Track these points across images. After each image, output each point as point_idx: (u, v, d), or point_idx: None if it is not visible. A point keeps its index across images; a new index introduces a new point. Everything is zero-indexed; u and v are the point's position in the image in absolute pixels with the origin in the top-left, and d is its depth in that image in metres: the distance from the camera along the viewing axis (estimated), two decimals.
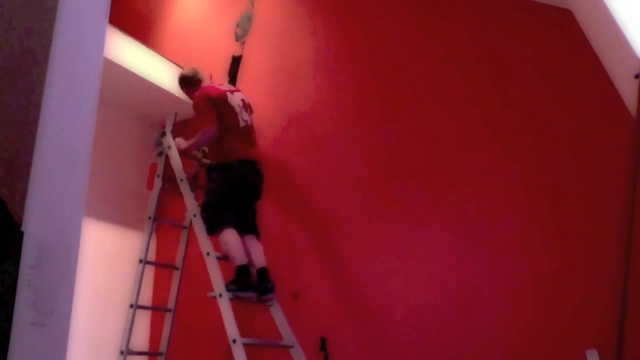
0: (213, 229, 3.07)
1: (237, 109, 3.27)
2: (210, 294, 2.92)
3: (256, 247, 3.12)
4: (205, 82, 3.49)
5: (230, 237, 3.00)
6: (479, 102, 3.02)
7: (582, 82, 2.71)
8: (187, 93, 3.51)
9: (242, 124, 3.26)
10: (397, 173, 3.19)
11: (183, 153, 3.43)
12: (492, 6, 3.12)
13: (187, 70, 3.53)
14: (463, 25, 3.19)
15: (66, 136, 0.95)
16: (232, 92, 3.37)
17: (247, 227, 3.16)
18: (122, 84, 3.67)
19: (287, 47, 3.88)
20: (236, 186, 3.15)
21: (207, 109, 3.20)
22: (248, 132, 3.31)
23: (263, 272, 3.03)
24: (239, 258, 2.96)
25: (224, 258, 3.05)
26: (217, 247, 3.09)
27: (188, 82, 3.48)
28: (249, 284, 2.94)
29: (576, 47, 2.72)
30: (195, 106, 3.28)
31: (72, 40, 0.99)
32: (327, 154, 3.48)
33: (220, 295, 2.88)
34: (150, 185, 3.67)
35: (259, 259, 3.07)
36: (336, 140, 3.48)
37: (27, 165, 0.87)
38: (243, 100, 3.37)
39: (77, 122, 0.98)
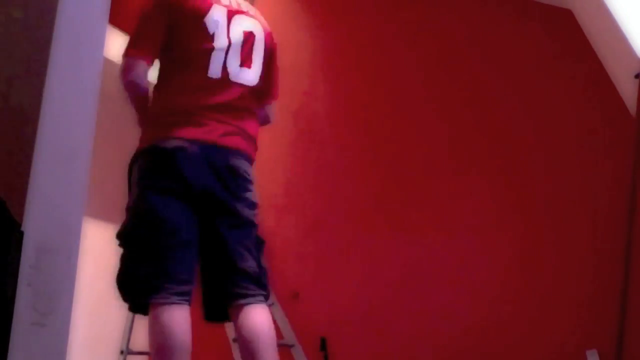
0: (135, 298, 1.65)
1: (219, 41, 1.69)
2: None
3: (263, 341, 1.66)
4: None
5: (165, 322, 1.58)
6: (478, 102, 3.01)
7: (582, 82, 2.71)
8: None
9: (214, 73, 1.67)
10: (397, 173, 3.19)
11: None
12: (491, 6, 3.12)
13: None
14: (463, 25, 3.19)
15: (66, 136, 0.95)
16: (234, 12, 1.76)
17: (233, 293, 1.75)
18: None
19: (287, 47, 3.88)
20: (183, 197, 1.61)
21: (142, 20, 1.88)
22: (227, 91, 1.69)
23: None
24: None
25: None
26: None
27: None
28: None
29: (576, 47, 2.72)
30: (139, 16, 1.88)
31: (72, 40, 0.99)
32: (327, 154, 3.48)
33: None
34: None
35: None
36: (336, 140, 3.48)
37: (27, 165, 0.87)
38: (250, 34, 1.77)
39: (77, 121, 0.98)
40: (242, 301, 1.71)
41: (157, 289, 1.52)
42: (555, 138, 2.75)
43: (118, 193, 3.92)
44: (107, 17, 1.11)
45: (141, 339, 3.72)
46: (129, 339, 3.23)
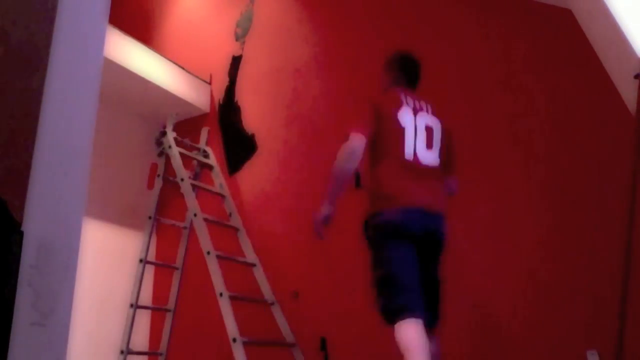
0: (389, 320, 2.00)
1: (408, 132, 2.16)
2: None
3: (435, 351, 2.03)
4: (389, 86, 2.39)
5: (409, 334, 1.89)
6: (478, 102, 3.02)
7: (582, 82, 2.71)
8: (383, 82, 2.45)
9: (408, 156, 2.13)
10: None
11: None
12: (491, 6, 3.12)
13: (407, 56, 2.50)
14: (463, 25, 3.19)
15: (66, 136, 0.95)
16: (416, 110, 2.24)
17: (433, 314, 2.07)
18: (122, 84, 3.67)
19: (287, 47, 3.88)
20: (412, 248, 2.05)
21: (365, 110, 2.21)
22: (421, 171, 2.15)
23: None
24: None
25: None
26: (217, 246, 3.08)
27: (394, 68, 2.45)
28: None
29: (576, 47, 2.72)
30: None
31: (72, 40, 0.99)
32: (327, 154, 3.48)
33: (221, 294, 2.88)
34: (150, 185, 3.67)
35: None
36: (336, 140, 3.47)
37: (27, 165, 0.87)
38: (430, 129, 2.23)
39: (77, 122, 0.98)
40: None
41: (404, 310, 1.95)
42: (555, 138, 2.75)
43: (118, 193, 3.93)
44: (107, 17, 1.11)
45: (141, 339, 3.73)
46: (129, 339, 3.23)
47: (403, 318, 1.90)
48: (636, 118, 2.27)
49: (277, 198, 3.51)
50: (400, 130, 2.15)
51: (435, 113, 2.32)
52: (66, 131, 0.95)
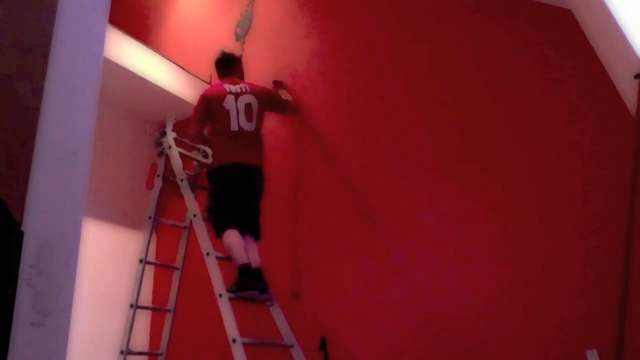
0: (217, 232, 3.12)
1: (232, 113, 3.24)
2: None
3: (251, 248, 3.10)
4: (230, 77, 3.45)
5: (230, 238, 3.03)
6: (478, 102, 3.02)
7: (582, 82, 2.71)
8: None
9: (233, 127, 3.23)
10: (396, 174, 3.19)
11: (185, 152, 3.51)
12: (492, 6, 3.12)
13: (221, 54, 3.57)
14: (462, 25, 3.19)
15: (66, 136, 0.95)
16: (237, 94, 3.31)
17: (246, 228, 3.16)
18: (122, 84, 3.67)
19: (287, 47, 3.88)
20: (229, 189, 3.17)
21: (195, 109, 3.36)
22: (244, 136, 3.24)
23: (257, 273, 3.02)
24: (239, 257, 2.97)
25: (226, 259, 3.05)
26: (217, 247, 3.09)
27: (217, 66, 3.54)
28: (250, 283, 2.94)
29: (576, 47, 2.72)
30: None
31: (72, 40, 0.99)
32: (327, 154, 3.48)
33: (220, 295, 2.88)
34: (149, 185, 3.67)
35: (254, 260, 3.05)
36: (336, 140, 3.48)
37: (27, 165, 0.87)
38: (249, 105, 3.30)
39: (77, 122, 0.98)
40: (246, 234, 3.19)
41: (226, 225, 3.10)
42: (556, 138, 2.75)
43: (118, 193, 3.93)
44: (107, 17, 1.11)
45: (141, 339, 3.72)
46: (129, 339, 3.23)
47: (226, 229, 3.07)
48: (636, 118, 2.27)
49: (277, 198, 3.50)
50: (226, 112, 3.24)
51: (251, 91, 3.35)
52: (66, 131, 0.95)
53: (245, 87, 3.37)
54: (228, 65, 3.52)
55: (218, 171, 3.21)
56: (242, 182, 3.19)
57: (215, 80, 4.18)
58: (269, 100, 3.45)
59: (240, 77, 3.53)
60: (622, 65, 2.39)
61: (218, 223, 3.12)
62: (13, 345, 0.79)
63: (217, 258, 3.03)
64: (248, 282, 2.93)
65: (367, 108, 3.41)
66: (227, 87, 3.33)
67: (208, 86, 4.19)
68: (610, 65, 2.54)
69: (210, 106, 3.30)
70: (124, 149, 4.04)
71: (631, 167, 2.26)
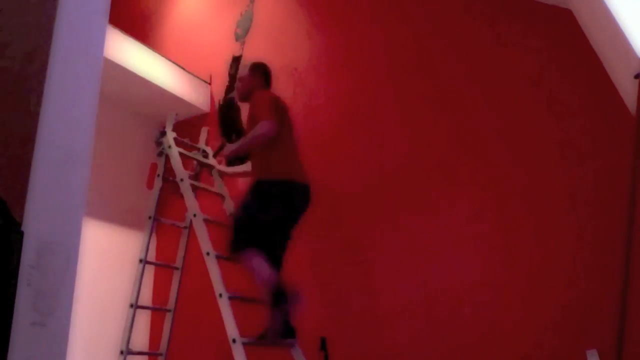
0: (238, 247, 2.71)
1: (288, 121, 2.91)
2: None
3: None
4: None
5: (255, 259, 2.64)
6: (478, 101, 3.02)
7: (582, 82, 2.71)
8: (250, 83, 3.07)
9: (294, 142, 2.89)
10: (397, 174, 3.19)
11: (230, 158, 3.28)
12: (491, 6, 3.12)
13: (266, 65, 3.18)
14: (462, 25, 3.19)
15: (66, 136, 0.95)
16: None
17: (277, 257, 2.80)
18: (122, 84, 3.67)
19: (287, 47, 3.88)
20: (284, 210, 2.75)
21: (270, 104, 2.80)
22: (297, 150, 2.92)
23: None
24: (269, 279, 2.59)
25: (222, 258, 2.88)
26: (217, 247, 3.09)
27: (264, 74, 3.13)
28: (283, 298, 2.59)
29: (576, 47, 2.72)
30: (258, 102, 2.86)
31: (72, 40, 0.99)
32: (327, 154, 3.48)
33: (220, 295, 2.87)
34: (150, 185, 3.66)
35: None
36: (337, 140, 3.48)
37: (27, 165, 0.87)
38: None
39: (77, 122, 0.98)
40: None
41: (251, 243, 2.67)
42: (555, 138, 2.75)
43: (118, 193, 3.93)
44: (107, 17, 1.11)
45: (141, 339, 3.72)
46: (129, 339, 3.23)
47: (249, 248, 2.67)
48: (636, 118, 2.27)
49: None
50: (288, 122, 2.93)
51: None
52: (66, 131, 0.95)
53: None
54: (271, 78, 3.18)
55: (278, 184, 2.73)
56: (301, 207, 2.81)
57: (215, 80, 4.18)
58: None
59: None
60: (622, 65, 2.39)
61: (244, 238, 2.69)
62: (13, 345, 0.79)
63: (217, 258, 3.02)
64: (281, 297, 2.59)
65: (368, 106, 3.41)
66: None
67: (208, 86, 4.19)
68: (610, 65, 2.54)
69: (278, 107, 2.86)
70: (124, 149, 4.04)
71: (631, 167, 2.26)
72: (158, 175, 3.49)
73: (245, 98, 3.07)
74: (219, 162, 3.68)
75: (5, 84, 0.88)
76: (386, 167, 3.23)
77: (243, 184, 3.72)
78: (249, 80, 3.08)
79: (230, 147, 2.99)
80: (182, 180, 3.32)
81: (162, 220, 3.64)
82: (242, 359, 2.66)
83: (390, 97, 3.34)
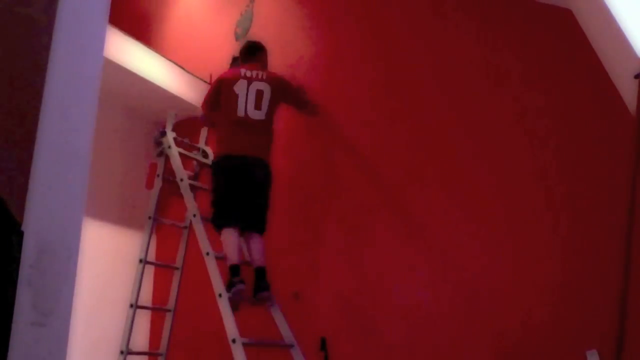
0: (216, 228, 3.08)
1: (241, 98, 3.11)
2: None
3: (256, 246, 3.05)
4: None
5: (225, 236, 2.99)
6: (478, 101, 3.02)
7: (582, 82, 2.71)
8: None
9: (239, 113, 3.10)
10: (398, 173, 3.19)
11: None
12: (492, 6, 3.12)
13: (248, 42, 3.52)
14: (462, 24, 3.19)
15: (66, 136, 0.95)
16: (251, 79, 3.17)
17: (249, 224, 3.08)
18: (122, 84, 3.67)
19: (287, 47, 3.88)
20: (227, 182, 3.08)
21: (208, 90, 3.34)
22: (250, 125, 3.11)
23: (259, 272, 2.99)
24: (230, 258, 2.94)
25: (222, 258, 3.03)
26: (217, 247, 3.09)
27: (241, 53, 3.43)
28: (236, 281, 2.88)
29: (576, 47, 2.72)
30: None
31: (72, 40, 0.98)
32: (327, 153, 3.48)
33: (220, 295, 2.88)
34: (149, 185, 3.67)
35: (257, 258, 3.01)
36: (337, 140, 3.48)
37: (27, 165, 0.87)
38: (260, 92, 3.15)
39: (77, 122, 0.98)
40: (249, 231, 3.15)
41: (224, 223, 3.07)
42: (555, 138, 2.75)
43: (118, 193, 3.93)
44: (107, 17, 1.11)
45: (141, 339, 3.72)
46: (129, 339, 3.23)
47: (224, 227, 3.03)
48: (636, 118, 2.27)
49: (277, 198, 3.50)
50: (234, 96, 3.12)
51: (267, 79, 3.21)
52: (66, 131, 0.95)
53: (261, 74, 3.22)
54: (253, 52, 3.38)
55: (218, 163, 3.13)
56: (239, 174, 3.07)
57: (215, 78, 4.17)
58: (283, 91, 3.28)
59: (263, 67, 3.37)
60: (622, 65, 2.39)
61: (217, 219, 3.06)
62: (13, 345, 0.79)
63: (217, 258, 3.03)
64: (235, 281, 2.89)
65: (368, 106, 3.41)
66: (243, 71, 3.22)
67: (208, 86, 4.20)
68: (610, 65, 2.54)
69: (221, 88, 3.21)
70: (124, 149, 4.04)
71: (631, 167, 2.26)
72: (158, 175, 3.49)
73: None
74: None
75: (5, 84, 0.88)
76: (385, 165, 3.23)
77: None
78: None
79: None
80: (182, 180, 3.33)
81: (162, 220, 3.64)
82: (242, 359, 2.66)
83: (393, 96, 3.34)
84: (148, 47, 3.85)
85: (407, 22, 3.42)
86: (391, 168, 3.22)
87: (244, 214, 3.07)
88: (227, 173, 3.09)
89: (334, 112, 3.53)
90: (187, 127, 3.98)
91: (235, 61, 4.12)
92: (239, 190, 3.07)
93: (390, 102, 3.33)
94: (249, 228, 3.09)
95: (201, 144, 3.95)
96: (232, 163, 3.07)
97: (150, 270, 3.74)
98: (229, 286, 2.88)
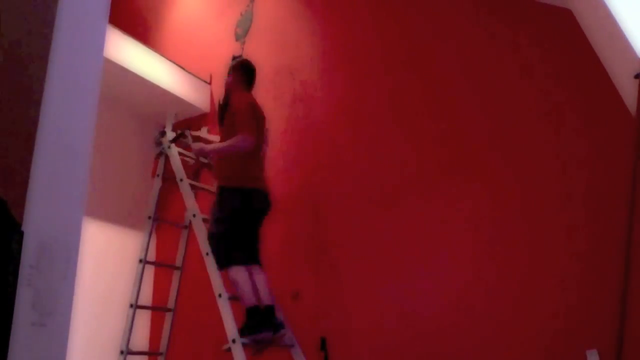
0: (224, 263, 2.84)
1: (265, 133, 3.10)
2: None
3: (262, 281, 2.86)
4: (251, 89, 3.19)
5: (239, 275, 2.76)
6: (478, 101, 3.02)
7: (582, 82, 2.71)
8: (229, 84, 3.17)
9: (259, 142, 3.02)
10: (398, 174, 3.19)
11: (200, 156, 3.33)
12: (491, 6, 3.12)
13: (249, 62, 3.25)
14: (463, 25, 3.19)
15: (66, 136, 0.95)
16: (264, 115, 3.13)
17: (252, 257, 2.93)
18: (122, 84, 3.67)
19: (287, 47, 3.88)
20: (249, 218, 2.93)
21: (251, 116, 2.91)
22: (263, 154, 3.11)
23: (269, 311, 2.80)
24: (249, 299, 2.74)
25: (233, 298, 2.88)
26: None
27: (245, 73, 3.17)
28: (263, 323, 2.73)
29: (576, 47, 2.72)
30: (238, 108, 2.94)
31: (72, 40, 0.99)
32: (327, 154, 3.48)
33: (220, 295, 2.87)
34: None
35: (266, 295, 2.82)
36: (337, 140, 3.48)
37: (27, 165, 0.87)
38: (263, 124, 3.14)
39: (77, 122, 0.98)
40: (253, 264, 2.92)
41: (236, 260, 2.82)
42: (555, 138, 2.75)
43: (118, 193, 3.93)
44: (107, 17, 1.11)
45: (141, 339, 3.72)
46: (129, 339, 3.23)
47: (234, 264, 2.80)
48: (636, 118, 2.27)
49: (277, 198, 3.50)
50: (261, 129, 3.03)
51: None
52: (66, 131, 0.95)
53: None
54: (254, 77, 3.23)
55: (238, 193, 2.88)
56: (262, 214, 2.98)
57: (215, 80, 4.18)
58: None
59: None
60: (622, 65, 2.39)
61: (226, 255, 2.83)
62: (13, 345, 0.79)
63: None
64: (259, 324, 2.73)
65: (368, 106, 3.41)
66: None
67: (208, 86, 4.19)
68: (610, 65, 2.54)
69: (255, 113, 2.98)
70: (123, 149, 4.04)
71: (631, 167, 2.26)
72: (158, 175, 3.50)
73: (225, 97, 3.17)
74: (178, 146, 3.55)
75: (5, 84, 0.87)
76: (385, 169, 3.23)
77: None
78: (229, 80, 3.18)
79: (201, 146, 3.06)
80: (181, 180, 3.33)
81: (162, 220, 3.64)
82: (242, 359, 2.66)
83: (393, 96, 3.34)
84: (148, 47, 3.85)
85: (407, 21, 3.42)
86: (392, 171, 3.22)
87: (251, 248, 2.94)
88: (252, 214, 2.93)
89: (334, 112, 3.53)
90: (187, 127, 3.97)
91: (235, 60, 4.12)
92: (255, 227, 2.99)
93: (395, 99, 3.33)
94: (254, 262, 2.92)
95: (203, 133, 3.89)
96: (261, 205, 2.95)
97: (150, 270, 3.74)
98: (251, 330, 2.70)
